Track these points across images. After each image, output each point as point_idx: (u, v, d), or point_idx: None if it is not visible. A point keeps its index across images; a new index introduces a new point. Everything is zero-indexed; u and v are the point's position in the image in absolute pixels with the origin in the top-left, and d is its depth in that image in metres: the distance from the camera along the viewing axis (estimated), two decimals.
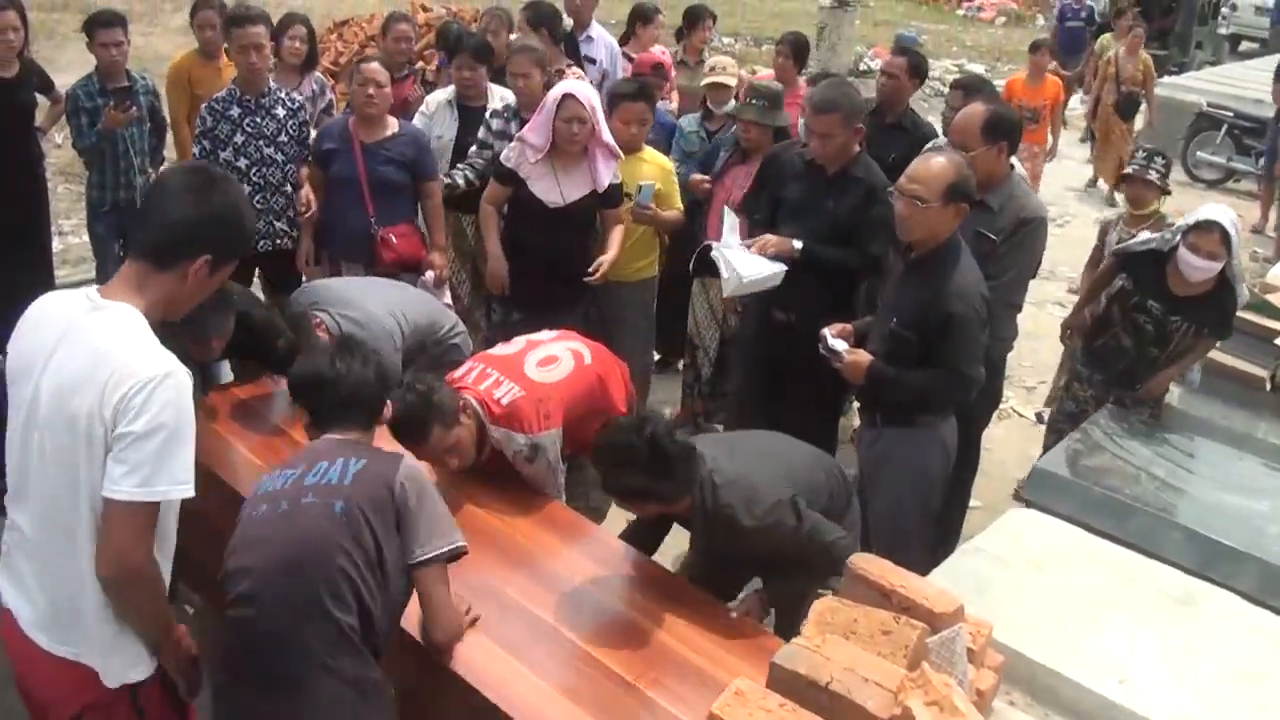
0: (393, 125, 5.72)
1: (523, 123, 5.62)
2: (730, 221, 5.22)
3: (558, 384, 4.06)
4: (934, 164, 4.03)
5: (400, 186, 5.68)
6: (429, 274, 5.72)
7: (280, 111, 5.77)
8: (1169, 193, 5.93)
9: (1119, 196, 9.09)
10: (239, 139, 5.67)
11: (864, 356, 4.22)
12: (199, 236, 2.61)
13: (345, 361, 3.18)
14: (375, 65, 5.65)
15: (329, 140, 5.72)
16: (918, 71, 6.37)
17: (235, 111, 5.69)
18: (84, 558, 2.59)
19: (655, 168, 5.74)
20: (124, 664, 2.73)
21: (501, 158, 5.41)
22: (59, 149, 10.54)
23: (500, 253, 5.46)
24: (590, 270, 5.37)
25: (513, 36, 6.90)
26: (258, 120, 5.71)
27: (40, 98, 6.73)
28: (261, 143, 5.70)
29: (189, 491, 2.57)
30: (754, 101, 5.84)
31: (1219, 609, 3.36)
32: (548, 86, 5.61)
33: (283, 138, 5.76)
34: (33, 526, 2.69)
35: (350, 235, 5.65)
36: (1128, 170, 6.08)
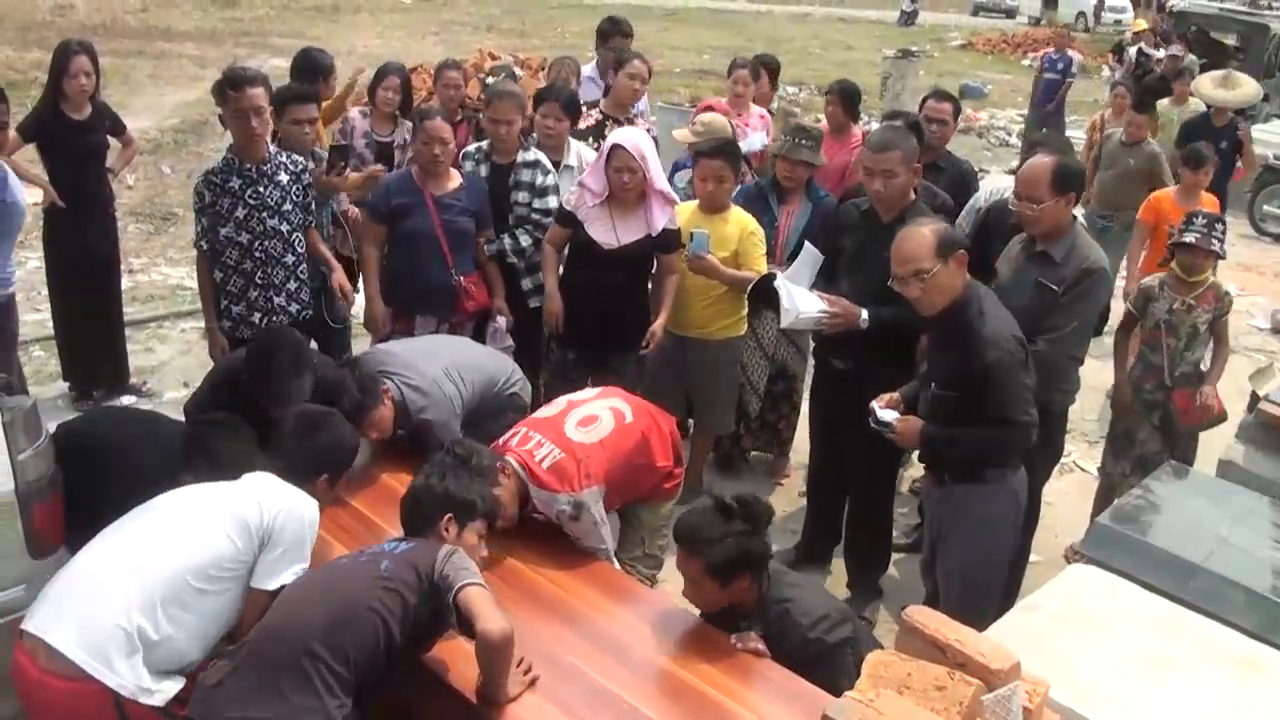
0: (456, 177, 5.72)
1: (493, 165, 5.92)
2: (808, 256, 5.32)
3: (597, 444, 4.12)
4: (915, 238, 4.05)
5: (471, 236, 5.71)
6: (500, 320, 5.77)
7: (283, 177, 5.38)
8: (1224, 257, 5.75)
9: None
10: (240, 213, 5.27)
11: (915, 423, 4.23)
12: (314, 465, 3.71)
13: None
14: (439, 121, 5.59)
15: (399, 196, 5.61)
16: (958, 113, 6.76)
17: (236, 183, 5.28)
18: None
19: (736, 228, 5.65)
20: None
21: (563, 201, 5.61)
22: (130, 190, 10.79)
23: (556, 292, 5.59)
24: (644, 342, 5.51)
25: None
26: (260, 190, 5.30)
27: (112, 140, 6.90)
28: (265, 214, 5.31)
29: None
30: (803, 142, 5.89)
31: None
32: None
33: (287, 206, 5.38)
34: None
35: (430, 288, 5.62)
36: (1187, 239, 5.54)
